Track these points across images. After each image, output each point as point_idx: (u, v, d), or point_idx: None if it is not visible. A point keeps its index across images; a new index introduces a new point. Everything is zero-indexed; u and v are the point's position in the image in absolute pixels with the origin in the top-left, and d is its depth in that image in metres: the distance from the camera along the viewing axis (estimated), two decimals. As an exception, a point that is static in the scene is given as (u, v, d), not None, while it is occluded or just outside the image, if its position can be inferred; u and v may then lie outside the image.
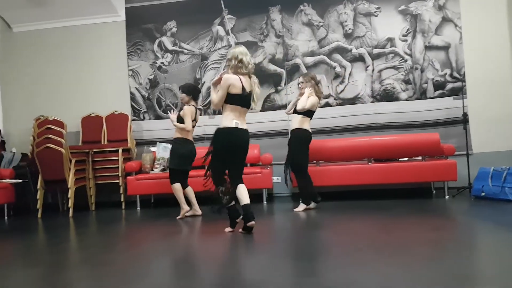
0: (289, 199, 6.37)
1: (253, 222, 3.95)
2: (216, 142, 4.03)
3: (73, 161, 6.07)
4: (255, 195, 6.09)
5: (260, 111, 6.79)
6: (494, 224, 4.03)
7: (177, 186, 5.14)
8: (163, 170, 6.27)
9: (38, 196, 6.07)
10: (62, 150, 5.91)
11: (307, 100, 5.10)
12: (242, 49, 4.06)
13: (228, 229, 4.12)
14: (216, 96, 3.98)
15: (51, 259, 3.64)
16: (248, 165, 6.36)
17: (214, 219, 4.64)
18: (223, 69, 4.29)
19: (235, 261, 3.26)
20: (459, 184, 5.83)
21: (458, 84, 6.26)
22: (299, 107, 5.13)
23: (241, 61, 3.96)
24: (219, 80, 3.98)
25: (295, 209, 5.19)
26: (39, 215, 6.01)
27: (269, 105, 6.78)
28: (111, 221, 5.49)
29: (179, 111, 5.27)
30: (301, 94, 5.24)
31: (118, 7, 7.17)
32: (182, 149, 5.14)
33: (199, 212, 5.25)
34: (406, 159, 6.09)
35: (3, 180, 6.07)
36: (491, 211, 4.66)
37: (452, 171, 5.66)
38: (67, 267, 3.39)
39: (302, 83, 5.28)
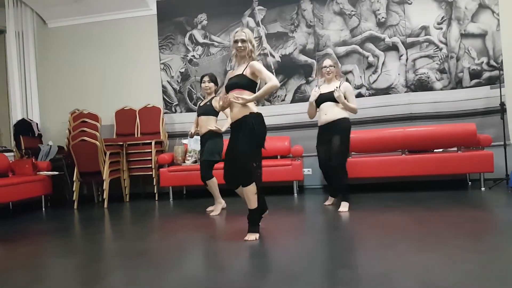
0: (319, 191, 6.33)
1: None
2: (263, 128, 3.62)
3: (108, 153, 6.18)
4: (285, 187, 6.14)
5: (291, 102, 6.75)
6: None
7: (215, 179, 4.97)
8: (195, 162, 6.32)
9: (74, 188, 6.21)
10: (97, 143, 6.03)
11: (350, 94, 4.72)
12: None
13: (255, 237, 3.60)
14: (272, 77, 3.50)
15: (87, 249, 3.71)
16: (279, 157, 6.37)
17: (244, 212, 4.61)
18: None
19: (268, 253, 3.25)
20: (495, 175, 5.70)
21: (496, 72, 6.07)
22: (355, 110, 4.70)
23: (254, 45, 3.64)
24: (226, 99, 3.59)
25: (340, 210, 4.61)
26: (75, 206, 6.16)
27: (299, 97, 6.72)
28: (145, 212, 5.57)
29: (208, 102, 5.11)
30: (328, 80, 4.82)
31: (149, 1, 7.23)
32: (223, 141, 5.02)
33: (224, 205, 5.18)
34: (441, 150, 5.97)
35: (41, 172, 6.25)
36: (531, 203, 4.52)
37: (488, 162, 5.52)
38: (103, 257, 3.46)
39: (333, 67, 4.79)
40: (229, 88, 3.65)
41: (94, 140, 6.03)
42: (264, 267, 2.87)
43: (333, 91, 4.67)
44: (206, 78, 5.15)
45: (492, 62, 6.14)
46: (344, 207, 4.65)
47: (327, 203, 5.09)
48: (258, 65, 3.58)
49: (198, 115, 5.15)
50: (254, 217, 3.65)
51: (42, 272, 3.11)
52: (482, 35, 6.20)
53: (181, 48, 7.20)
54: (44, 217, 5.66)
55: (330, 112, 4.71)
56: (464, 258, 2.70)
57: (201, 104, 5.23)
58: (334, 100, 4.68)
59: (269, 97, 6.81)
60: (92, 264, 3.17)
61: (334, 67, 4.81)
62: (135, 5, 7.26)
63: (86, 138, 6.03)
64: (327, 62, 4.84)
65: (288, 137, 6.51)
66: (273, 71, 6.75)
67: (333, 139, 4.64)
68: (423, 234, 3.39)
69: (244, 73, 3.60)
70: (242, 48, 3.60)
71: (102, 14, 7.40)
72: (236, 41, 3.62)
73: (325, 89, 4.82)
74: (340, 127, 4.66)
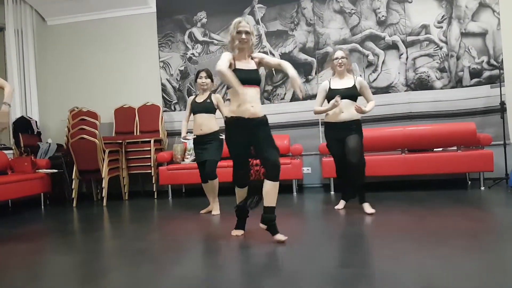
0: (319, 189, 6.33)
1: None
2: None
3: (107, 151, 6.17)
4: (284, 186, 6.10)
5: (290, 101, 6.73)
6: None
7: (217, 179, 4.86)
8: (194, 160, 6.30)
9: (73, 186, 6.20)
10: (96, 140, 6.02)
11: (366, 89, 4.51)
12: None
13: (238, 232, 3.74)
14: (279, 60, 3.55)
15: (86, 247, 3.70)
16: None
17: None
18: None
19: (269, 252, 3.23)
20: (495, 175, 5.70)
21: (496, 72, 6.05)
22: (373, 108, 4.50)
23: (254, 38, 3.48)
24: None
25: (368, 212, 4.39)
26: (74, 204, 6.15)
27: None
28: (144, 210, 5.56)
29: (208, 99, 4.90)
30: (340, 74, 4.50)
31: (149, -1, 7.23)
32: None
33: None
34: (441, 149, 5.96)
35: (40, 170, 6.23)
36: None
37: (488, 161, 5.51)
38: (102, 255, 3.45)
39: (345, 58, 4.45)
40: (250, 83, 3.39)
41: (93, 138, 6.02)
42: (264, 267, 2.86)
43: (350, 88, 4.43)
44: (203, 74, 4.94)
45: (492, 61, 6.12)
46: (369, 208, 4.41)
47: (338, 207, 4.71)
48: (260, 54, 3.59)
49: (195, 112, 4.90)
50: (274, 216, 3.44)
51: (41, 270, 3.10)
52: (483, 34, 6.19)
53: (181, 46, 7.19)
54: (43, 215, 5.64)
55: (348, 111, 4.41)
56: (463, 258, 2.70)
57: (199, 101, 4.94)
58: (351, 97, 4.42)
59: (269, 96, 6.80)
60: (91, 262, 3.16)
61: (346, 58, 4.48)
62: (134, 3, 7.24)
63: (85, 136, 6.02)
64: (339, 53, 4.48)
65: (287, 136, 6.49)
66: (273, 70, 6.73)
67: (351, 137, 4.38)
68: (423, 234, 3.39)
69: (257, 68, 3.51)
70: (246, 40, 3.39)
71: (101, 12, 7.38)
72: (239, 32, 3.38)
73: (338, 84, 4.51)
74: (355, 126, 4.44)
